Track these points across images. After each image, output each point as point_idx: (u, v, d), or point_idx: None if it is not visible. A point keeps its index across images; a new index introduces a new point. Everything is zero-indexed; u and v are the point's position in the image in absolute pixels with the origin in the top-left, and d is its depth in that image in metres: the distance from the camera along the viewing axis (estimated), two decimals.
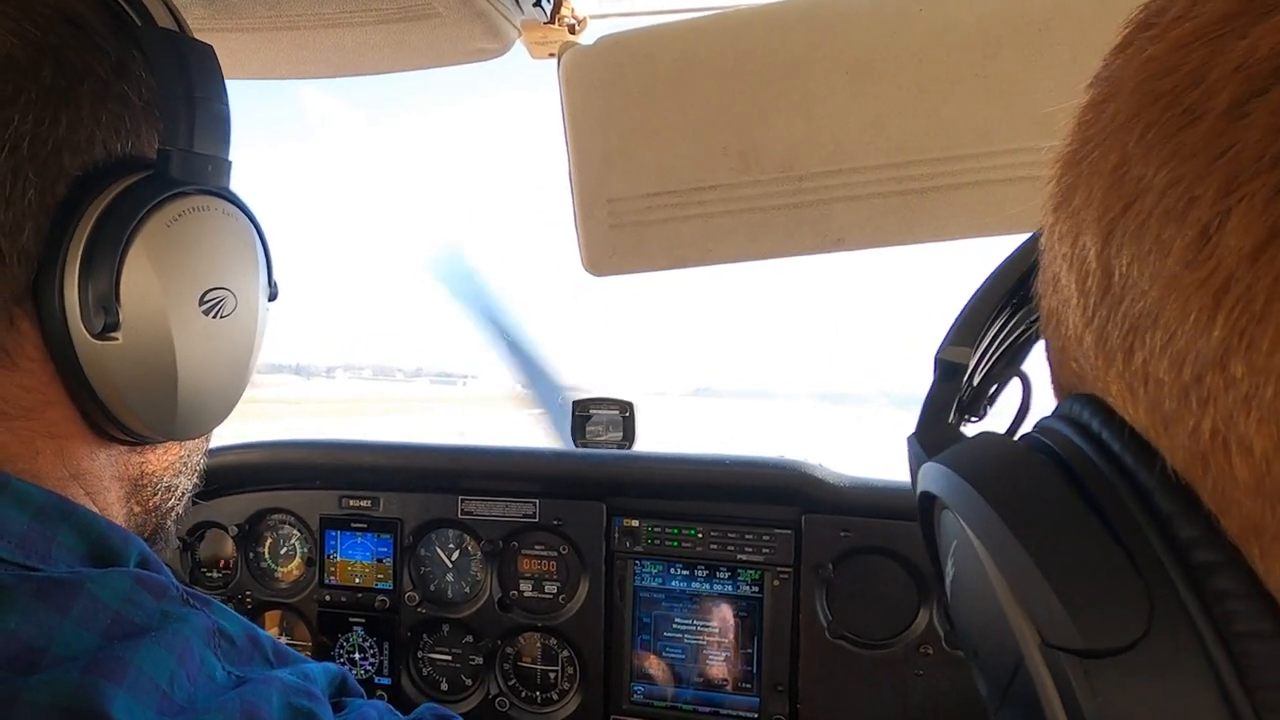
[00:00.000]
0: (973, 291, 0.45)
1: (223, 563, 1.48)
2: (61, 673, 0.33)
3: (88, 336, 0.40)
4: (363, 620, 1.40)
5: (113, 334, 0.40)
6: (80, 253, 0.39)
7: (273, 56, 0.85)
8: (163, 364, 0.43)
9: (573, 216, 0.81)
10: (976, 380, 0.46)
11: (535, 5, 0.80)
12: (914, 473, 0.46)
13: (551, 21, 0.82)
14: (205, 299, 0.44)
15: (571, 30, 0.83)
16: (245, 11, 0.75)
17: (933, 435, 0.45)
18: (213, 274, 0.45)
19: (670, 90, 0.74)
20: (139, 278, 0.41)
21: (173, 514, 0.52)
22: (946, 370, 0.46)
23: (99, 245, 0.40)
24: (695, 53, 0.73)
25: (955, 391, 0.46)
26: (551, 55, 0.82)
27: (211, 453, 1.52)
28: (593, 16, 0.86)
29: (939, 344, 0.45)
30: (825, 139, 0.71)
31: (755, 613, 1.27)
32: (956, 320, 0.45)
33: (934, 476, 0.39)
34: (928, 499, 0.42)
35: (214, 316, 0.45)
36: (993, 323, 0.44)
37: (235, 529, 1.43)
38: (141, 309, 0.41)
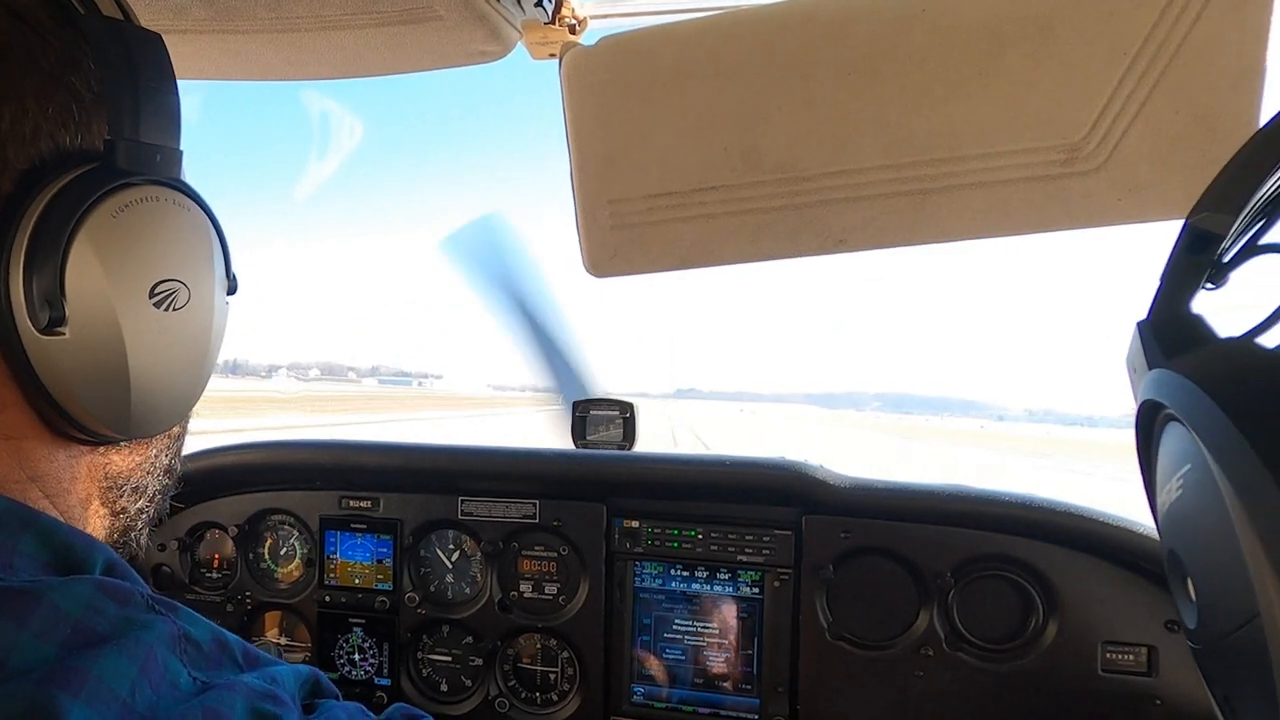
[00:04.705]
0: (1238, 150, 0.40)
1: (222, 563, 1.48)
2: (16, 686, 0.32)
3: (35, 332, 0.39)
4: (363, 621, 1.40)
5: (59, 329, 0.40)
6: (25, 247, 0.39)
7: (274, 58, 0.84)
8: (113, 358, 0.42)
9: (574, 218, 0.81)
10: (1232, 254, 0.40)
11: (536, 5, 0.80)
12: (1134, 367, 0.42)
13: (552, 22, 0.82)
14: (156, 291, 0.43)
15: (572, 30, 0.83)
16: (247, 13, 0.75)
17: (1170, 326, 0.40)
18: (163, 266, 0.44)
19: (671, 91, 0.74)
20: (85, 271, 0.40)
21: (143, 517, 0.51)
22: (1197, 240, 0.40)
23: (43, 239, 0.39)
24: (696, 53, 0.73)
25: (1202, 266, 0.40)
26: (552, 56, 0.82)
27: (210, 453, 1.53)
28: (593, 17, 0.86)
29: (1192, 209, 0.40)
30: (827, 140, 0.71)
31: (755, 614, 1.27)
32: (1217, 182, 0.39)
33: (1172, 388, 0.35)
34: (1153, 407, 0.39)
35: (166, 309, 0.44)
36: (1260, 187, 0.38)
37: (235, 529, 1.43)
38: (88, 303, 0.40)
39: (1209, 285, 0.42)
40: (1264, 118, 0.62)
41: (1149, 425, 0.41)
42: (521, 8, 0.79)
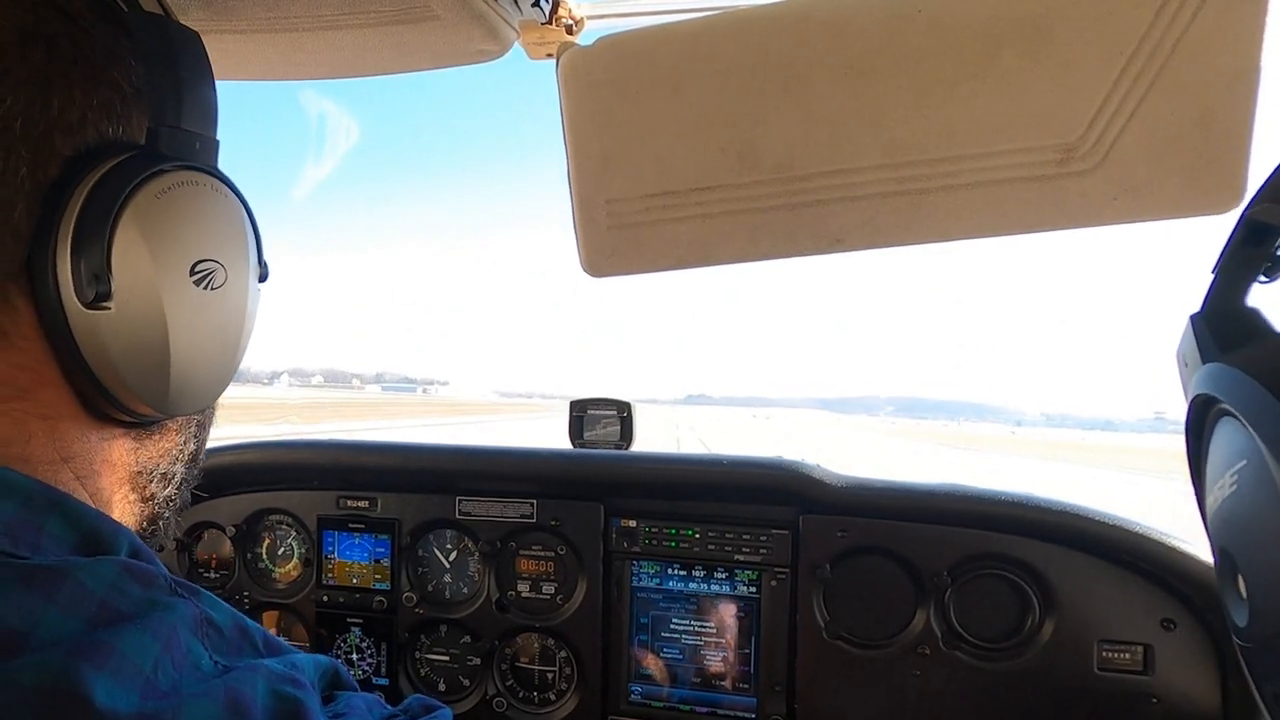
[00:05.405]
0: None
1: (220, 563, 1.48)
2: (44, 656, 0.32)
3: (80, 307, 0.40)
4: (361, 621, 1.40)
5: (105, 303, 0.41)
6: (73, 226, 0.40)
7: (271, 58, 0.84)
8: (155, 332, 0.43)
9: (571, 218, 0.81)
10: None
11: (533, 5, 0.80)
12: (1186, 361, 0.42)
13: (549, 22, 0.82)
14: (196, 269, 0.45)
15: (569, 30, 0.83)
16: (244, 13, 0.75)
17: (1225, 319, 0.40)
18: (203, 246, 0.45)
19: (668, 90, 0.74)
20: (130, 247, 0.41)
21: (172, 504, 0.52)
22: (1254, 232, 0.40)
23: (90, 218, 0.40)
24: (694, 53, 0.73)
25: (1259, 259, 0.40)
26: (550, 56, 0.82)
27: (208, 453, 1.52)
28: (590, 17, 0.86)
29: (1250, 201, 0.40)
30: (824, 139, 0.71)
31: (753, 613, 1.27)
32: (1277, 174, 0.39)
33: (1227, 382, 0.35)
34: (1207, 401, 0.38)
35: (205, 288, 0.45)
36: None
37: (233, 529, 1.43)
38: (133, 277, 0.42)
39: (1265, 278, 0.42)
40: (1260, 118, 0.62)
41: (1201, 420, 0.41)
42: (519, 7, 0.79)
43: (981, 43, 0.66)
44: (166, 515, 0.52)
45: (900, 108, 0.69)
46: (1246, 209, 0.41)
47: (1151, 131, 0.64)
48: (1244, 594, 0.37)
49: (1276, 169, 0.41)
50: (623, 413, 1.49)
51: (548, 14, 0.81)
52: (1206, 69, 0.62)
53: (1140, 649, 1.12)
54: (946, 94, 0.67)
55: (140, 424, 0.47)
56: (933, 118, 0.68)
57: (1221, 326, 0.40)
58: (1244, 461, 0.34)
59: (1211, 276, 0.42)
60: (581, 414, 1.52)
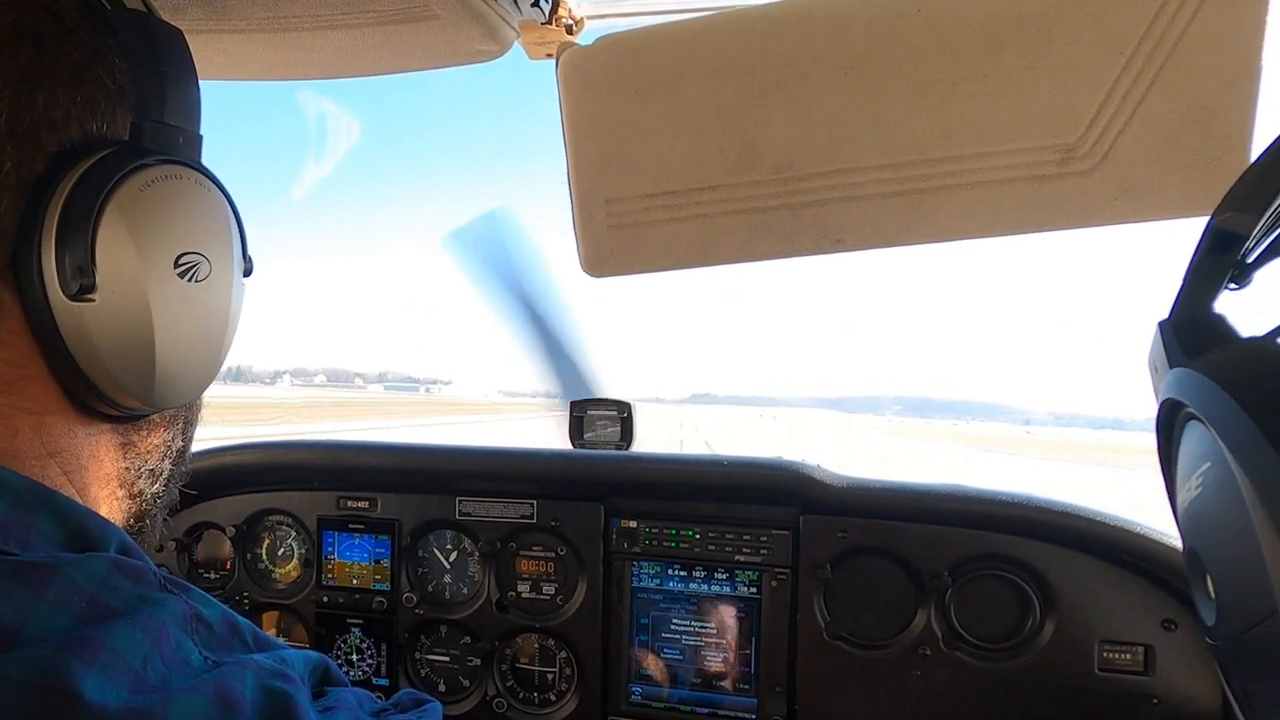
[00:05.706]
0: (1265, 149, 0.41)
1: (220, 564, 1.48)
2: (34, 652, 0.33)
3: (65, 300, 0.41)
4: (361, 621, 1.40)
5: (89, 295, 0.41)
6: (57, 220, 0.41)
7: (270, 58, 0.84)
8: (140, 324, 0.43)
9: (570, 217, 0.81)
10: (1256, 254, 0.42)
11: (533, 5, 0.80)
12: (1156, 367, 0.43)
13: (549, 22, 0.82)
14: (180, 262, 0.45)
15: (569, 30, 0.83)
16: (242, 12, 0.75)
17: (1192, 325, 0.41)
18: (187, 238, 0.45)
19: (668, 90, 0.74)
20: (114, 239, 0.42)
21: (160, 502, 0.52)
22: (1220, 240, 0.41)
23: (75, 211, 0.41)
24: (693, 53, 0.73)
25: (1225, 267, 0.42)
26: (549, 56, 0.82)
27: (208, 453, 1.52)
28: (590, 17, 0.86)
29: (1215, 208, 0.40)
30: (823, 139, 0.71)
31: (753, 613, 1.27)
32: (1241, 183, 0.40)
33: (1193, 387, 0.36)
34: (1174, 405, 0.39)
35: (189, 280, 0.45)
36: None
37: (233, 530, 1.43)
38: (118, 269, 0.42)
39: (1232, 285, 0.43)
40: (1260, 117, 0.62)
41: (1170, 424, 0.42)
42: (518, 7, 0.79)
43: (981, 43, 0.65)
44: (155, 513, 0.52)
45: (899, 108, 0.68)
46: (1213, 217, 0.41)
47: (1151, 131, 0.64)
48: (1211, 593, 0.38)
49: (1241, 177, 0.41)
50: (623, 413, 1.49)
51: (547, 14, 0.81)
52: (1206, 68, 0.62)
53: (1141, 649, 1.11)
54: (946, 94, 0.67)
55: (127, 418, 0.47)
56: (932, 118, 0.68)
57: (1188, 333, 0.41)
58: (1209, 464, 0.35)
59: (1180, 283, 0.43)
60: (581, 414, 1.52)
